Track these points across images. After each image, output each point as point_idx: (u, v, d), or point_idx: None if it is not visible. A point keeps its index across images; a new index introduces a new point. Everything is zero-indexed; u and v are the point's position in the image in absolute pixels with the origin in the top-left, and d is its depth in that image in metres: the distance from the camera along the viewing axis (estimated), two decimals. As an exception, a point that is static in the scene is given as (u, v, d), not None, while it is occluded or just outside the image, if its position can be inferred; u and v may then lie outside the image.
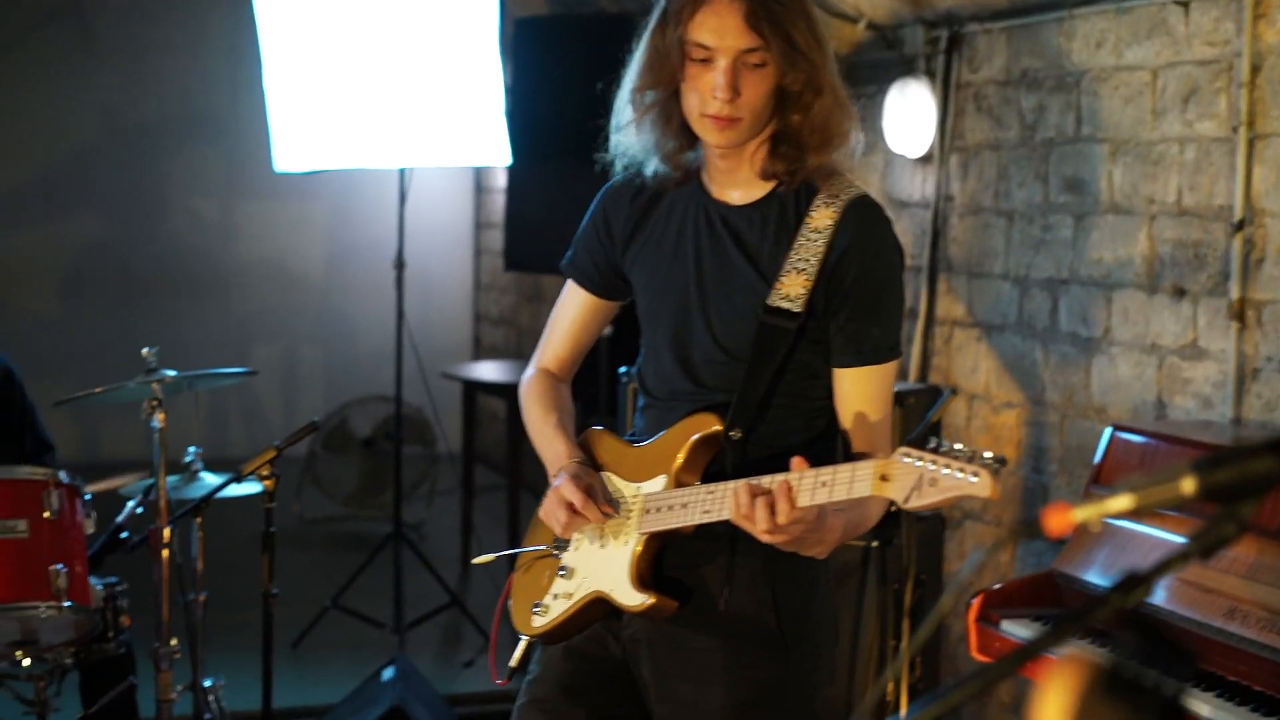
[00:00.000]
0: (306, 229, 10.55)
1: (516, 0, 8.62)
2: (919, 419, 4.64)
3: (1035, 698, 1.30)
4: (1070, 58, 5.02)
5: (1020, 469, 5.28)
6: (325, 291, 10.59)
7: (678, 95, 2.77)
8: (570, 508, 2.79)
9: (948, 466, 2.30)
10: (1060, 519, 1.41)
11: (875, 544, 4.59)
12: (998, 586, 3.99)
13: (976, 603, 3.96)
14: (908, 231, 5.90)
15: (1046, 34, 5.13)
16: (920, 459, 2.33)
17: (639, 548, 2.77)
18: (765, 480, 2.56)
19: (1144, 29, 4.69)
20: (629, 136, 2.86)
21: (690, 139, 2.82)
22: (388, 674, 5.21)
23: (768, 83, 2.69)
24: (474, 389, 8.00)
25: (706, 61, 2.69)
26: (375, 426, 8.73)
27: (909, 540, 4.60)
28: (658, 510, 2.75)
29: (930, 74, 5.71)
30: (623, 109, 2.85)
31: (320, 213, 10.54)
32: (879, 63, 6.03)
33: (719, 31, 2.67)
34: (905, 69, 5.81)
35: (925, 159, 5.78)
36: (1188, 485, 1.38)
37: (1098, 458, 4.03)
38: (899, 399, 4.66)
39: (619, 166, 2.92)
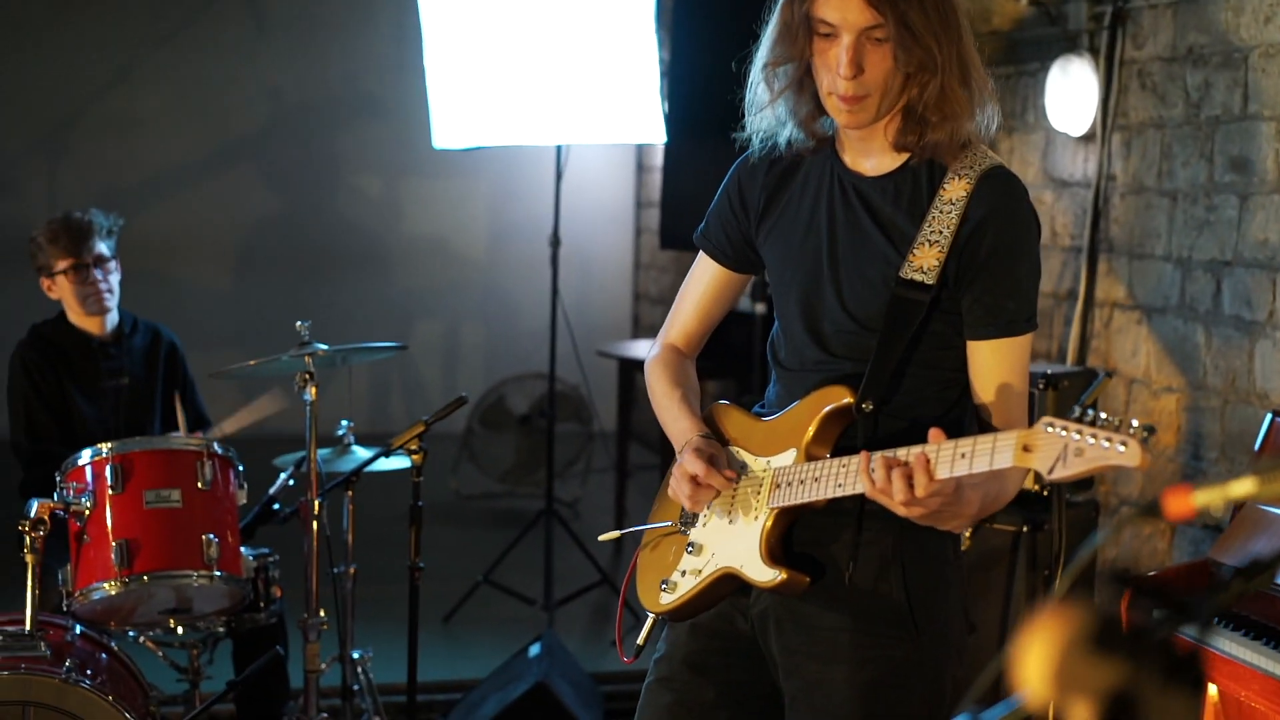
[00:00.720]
0: (469, 207, 10.62)
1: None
2: (1073, 402, 4.55)
3: (1018, 653, 1.24)
4: (1238, 33, 4.88)
5: (1180, 455, 5.15)
6: (487, 269, 10.66)
7: (810, 68, 2.74)
8: (694, 480, 2.77)
9: (1094, 436, 2.22)
10: (1180, 502, 1.36)
11: (1025, 528, 4.51)
12: (1152, 574, 3.90)
13: (1129, 591, 3.87)
14: (1068, 211, 5.78)
15: (1213, 9, 4.99)
16: (1065, 429, 2.26)
17: (769, 523, 2.74)
18: (901, 452, 2.51)
19: (1314, 3, 4.54)
20: (763, 110, 2.82)
21: (823, 112, 2.78)
22: (534, 650, 5.23)
23: (893, 57, 2.65)
24: (630, 367, 7.99)
25: (831, 37, 2.66)
26: (532, 404, 8.76)
27: (1060, 525, 4.51)
28: (788, 484, 2.72)
29: (1093, 50, 5.59)
30: (756, 84, 2.82)
31: (483, 191, 10.61)
32: (1041, 39, 5.92)
33: (841, 9, 2.63)
34: (1068, 45, 5.69)
35: (1087, 137, 5.66)
36: (1314, 470, 1.32)
37: (1258, 444, 3.92)
38: (1054, 382, 4.57)
39: (755, 143, 2.89)
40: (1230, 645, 3.53)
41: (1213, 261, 4.98)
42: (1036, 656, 1.22)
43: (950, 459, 2.44)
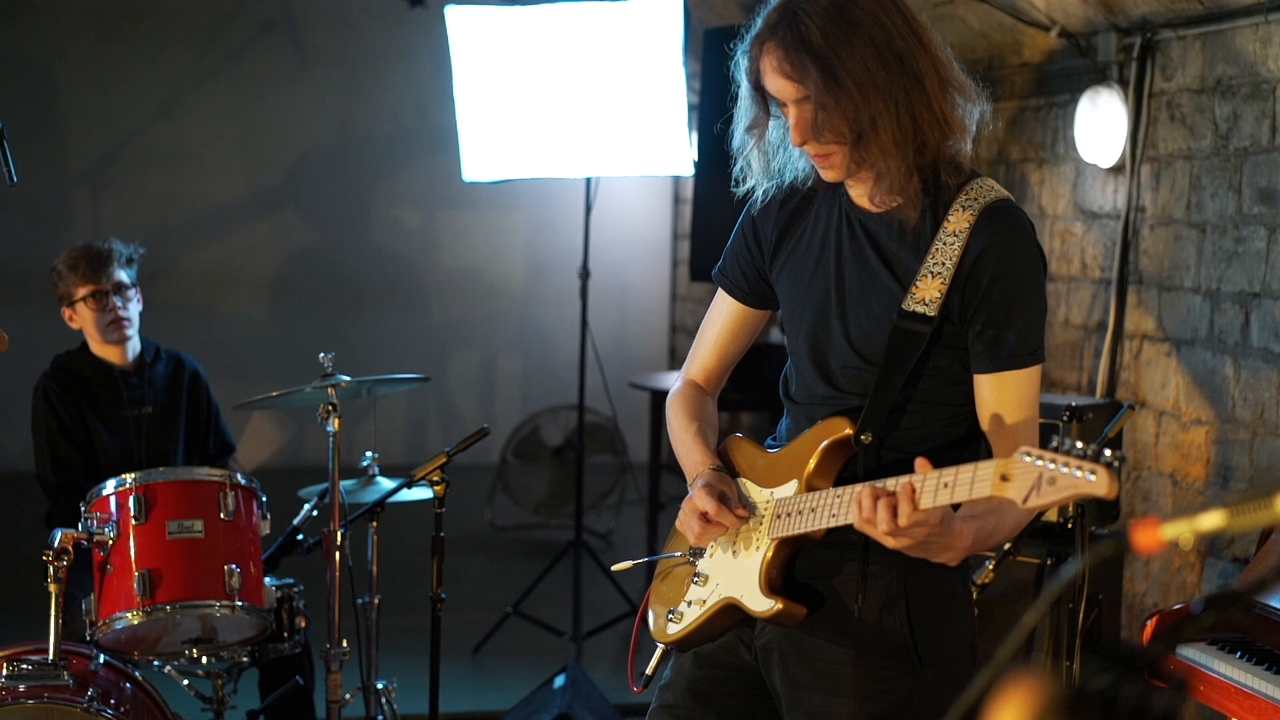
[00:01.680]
0: (506, 239, 10.66)
1: (709, 10, 8.63)
2: (1098, 434, 4.52)
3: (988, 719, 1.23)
4: (1266, 64, 4.86)
5: (1209, 488, 5.12)
6: (523, 301, 10.69)
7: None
8: (704, 517, 2.78)
9: (1066, 465, 2.25)
10: (1149, 535, 1.35)
11: (1049, 561, 4.49)
12: (1176, 607, 3.88)
13: (1151, 623, 3.85)
14: (1097, 243, 5.76)
15: (1242, 40, 4.97)
16: (1040, 458, 2.29)
17: (769, 553, 2.77)
18: (890, 482, 2.53)
19: (1341, 34, 4.52)
20: (760, 167, 2.85)
21: None
22: (559, 681, 5.23)
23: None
24: (662, 399, 7.97)
25: (783, 104, 2.70)
26: (566, 435, 8.77)
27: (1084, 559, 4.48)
28: (788, 515, 2.75)
29: (1123, 82, 5.57)
30: (745, 149, 2.86)
31: (519, 223, 10.64)
32: (1071, 71, 5.91)
33: (774, 84, 2.68)
34: (1097, 77, 5.67)
35: (1116, 169, 5.64)
36: (1282, 503, 1.31)
37: (1284, 477, 3.91)
38: (1078, 414, 4.55)
39: (757, 196, 2.91)
40: (1226, 668, 3.51)
41: (1241, 293, 4.96)
42: None
43: (934, 488, 2.46)
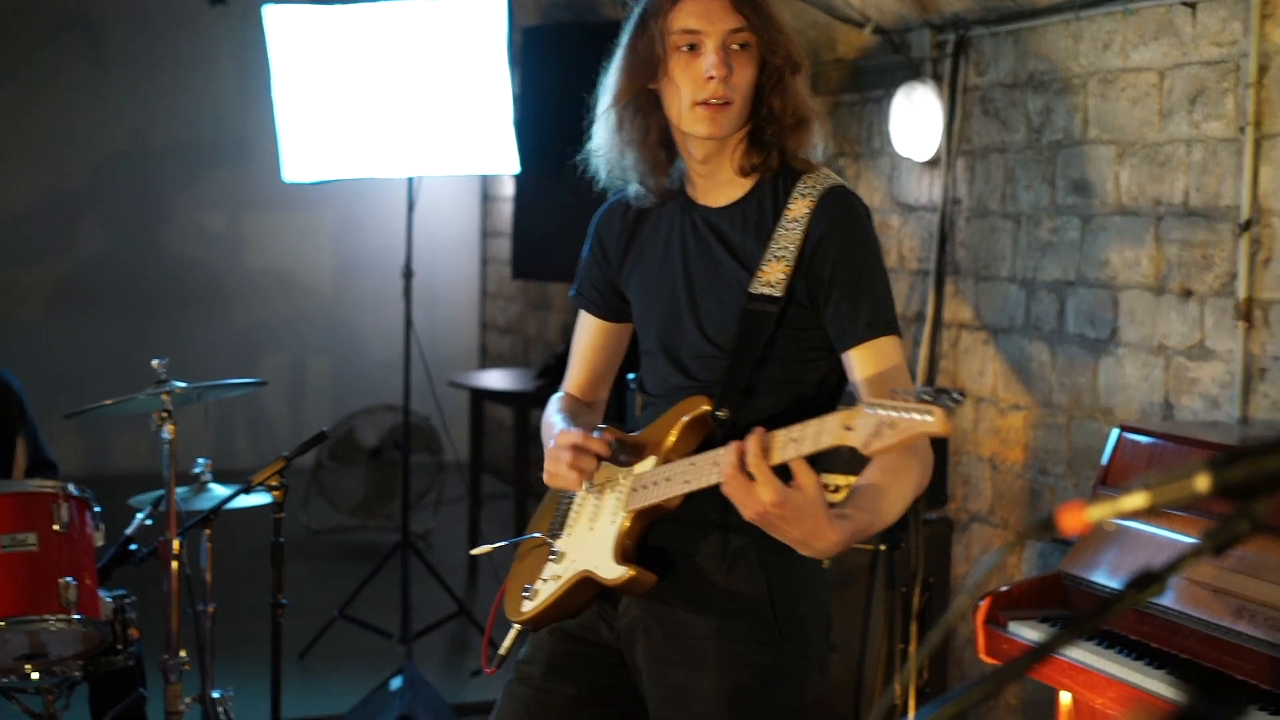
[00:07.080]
0: (313, 240, 10.56)
1: (524, 9, 8.63)
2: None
3: None
4: (1077, 60, 5.01)
5: (1027, 471, 5.27)
6: (333, 302, 10.60)
7: (658, 103, 2.84)
8: (574, 448, 2.81)
9: (905, 410, 2.33)
10: (1075, 518, 1.41)
11: (883, 547, 4.58)
12: (1005, 588, 3.98)
13: (984, 605, 3.95)
14: (915, 235, 5.89)
15: (1053, 36, 5.13)
16: (882, 407, 2.36)
17: (625, 524, 2.82)
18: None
19: (1151, 30, 4.68)
20: (610, 153, 2.91)
21: (670, 154, 2.89)
22: (395, 683, 5.21)
23: (754, 64, 2.79)
24: (481, 397, 8.00)
25: (694, 49, 2.77)
26: (381, 436, 8.72)
27: (917, 543, 4.59)
28: (644, 488, 2.80)
29: (937, 77, 5.71)
30: (601, 124, 2.92)
31: (327, 223, 10.55)
32: (885, 67, 6.03)
33: (706, 15, 2.76)
34: (912, 73, 5.80)
35: (932, 162, 5.78)
36: (1201, 483, 1.37)
37: (1105, 459, 4.03)
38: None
39: (601, 177, 2.98)
40: (1084, 655, 3.62)
41: (1056, 282, 5.11)
42: None
43: (783, 444, 2.50)
